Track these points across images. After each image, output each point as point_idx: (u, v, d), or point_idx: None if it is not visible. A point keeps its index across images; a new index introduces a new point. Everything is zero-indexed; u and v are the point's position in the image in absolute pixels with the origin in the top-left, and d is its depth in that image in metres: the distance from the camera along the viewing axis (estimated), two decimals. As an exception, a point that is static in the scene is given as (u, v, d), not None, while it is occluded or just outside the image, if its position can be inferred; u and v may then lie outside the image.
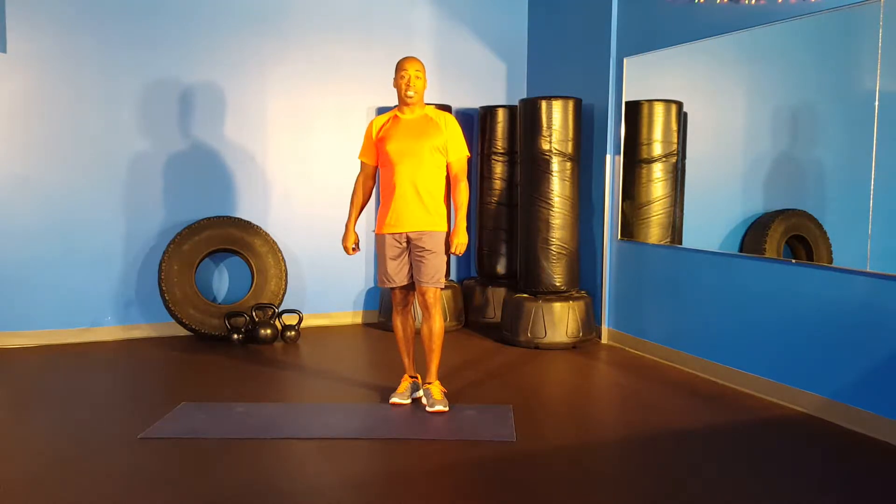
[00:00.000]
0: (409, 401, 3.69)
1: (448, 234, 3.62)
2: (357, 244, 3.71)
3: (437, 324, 3.61)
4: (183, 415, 3.46)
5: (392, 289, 3.67)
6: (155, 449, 3.06)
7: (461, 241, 3.53)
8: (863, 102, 3.33)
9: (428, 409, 3.56)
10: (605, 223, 5.03)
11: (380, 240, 3.62)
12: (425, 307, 3.60)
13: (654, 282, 4.63)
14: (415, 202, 3.52)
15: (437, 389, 3.64)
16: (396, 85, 3.57)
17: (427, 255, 3.55)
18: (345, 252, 3.76)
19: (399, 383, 3.77)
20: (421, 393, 3.72)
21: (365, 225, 5.56)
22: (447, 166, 3.62)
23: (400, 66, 3.56)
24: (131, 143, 4.96)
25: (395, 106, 3.65)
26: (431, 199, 3.54)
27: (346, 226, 3.71)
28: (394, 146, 3.53)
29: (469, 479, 2.83)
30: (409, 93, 3.52)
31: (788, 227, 3.80)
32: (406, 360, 3.77)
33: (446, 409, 3.55)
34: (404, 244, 3.59)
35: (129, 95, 4.94)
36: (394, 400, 3.66)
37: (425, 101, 3.75)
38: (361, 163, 3.73)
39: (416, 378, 3.79)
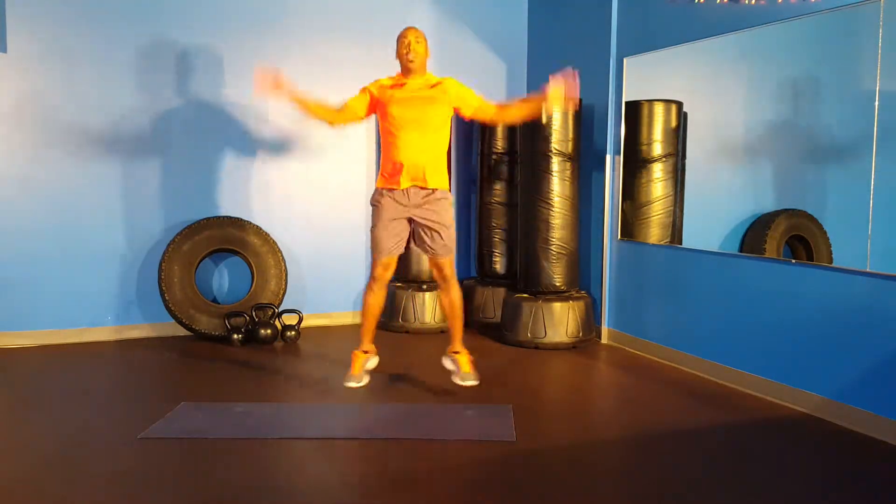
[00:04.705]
0: (365, 382, 3.66)
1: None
2: (277, 84, 3.54)
3: (456, 292, 3.71)
4: (183, 415, 3.46)
5: (376, 260, 3.64)
6: (155, 449, 3.06)
7: (556, 98, 3.52)
8: (863, 102, 3.33)
9: (459, 382, 3.64)
10: (605, 223, 5.02)
11: (379, 204, 3.59)
12: (444, 279, 3.67)
13: (654, 282, 4.63)
14: (419, 165, 3.53)
15: (465, 360, 3.70)
16: (398, 54, 3.61)
17: (440, 228, 3.57)
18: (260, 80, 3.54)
19: (353, 365, 3.71)
20: (449, 364, 3.75)
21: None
22: (476, 113, 3.63)
23: (401, 35, 3.61)
24: (131, 143, 4.96)
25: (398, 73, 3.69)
26: (436, 162, 3.57)
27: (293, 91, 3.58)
28: (399, 111, 3.54)
29: (469, 479, 2.83)
30: (410, 56, 3.54)
31: (788, 227, 3.80)
32: (367, 336, 3.76)
33: (477, 382, 3.63)
34: (405, 216, 3.58)
35: (129, 96, 4.93)
36: (350, 385, 3.63)
37: None
38: (347, 104, 3.66)
39: (371, 351, 3.79)
